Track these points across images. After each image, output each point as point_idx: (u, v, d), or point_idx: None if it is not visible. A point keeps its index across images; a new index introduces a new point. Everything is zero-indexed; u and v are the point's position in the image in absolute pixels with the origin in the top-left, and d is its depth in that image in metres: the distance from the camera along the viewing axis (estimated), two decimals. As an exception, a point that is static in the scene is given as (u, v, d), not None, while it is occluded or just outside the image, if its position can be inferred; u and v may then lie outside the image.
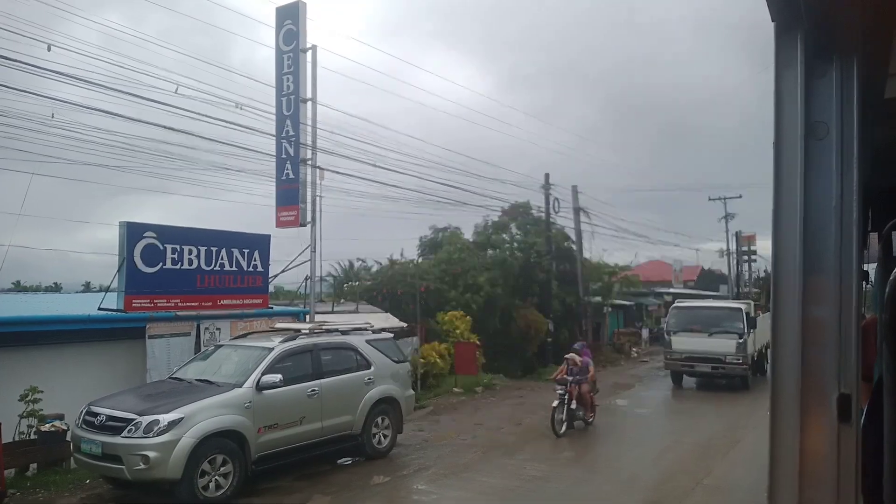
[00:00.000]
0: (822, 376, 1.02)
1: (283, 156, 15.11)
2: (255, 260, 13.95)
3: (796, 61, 1.02)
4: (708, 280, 54.93)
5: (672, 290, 44.74)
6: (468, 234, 26.76)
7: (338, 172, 18.38)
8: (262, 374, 8.24)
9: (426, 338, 20.15)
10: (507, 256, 23.93)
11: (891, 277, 1.03)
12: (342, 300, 21.31)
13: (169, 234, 12.33)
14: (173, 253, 12.35)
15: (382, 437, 10.01)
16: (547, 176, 24.68)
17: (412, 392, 10.96)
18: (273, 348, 8.67)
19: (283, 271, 15.40)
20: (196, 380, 8.49)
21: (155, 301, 12.09)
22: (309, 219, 14.90)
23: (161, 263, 12.14)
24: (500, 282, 22.88)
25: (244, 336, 10.35)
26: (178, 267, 12.43)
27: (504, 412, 14.25)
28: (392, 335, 11.19)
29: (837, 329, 1.02)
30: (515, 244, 26.01)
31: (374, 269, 21.69)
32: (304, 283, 17.76)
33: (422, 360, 18.70)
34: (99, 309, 11.59)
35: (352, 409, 9.45)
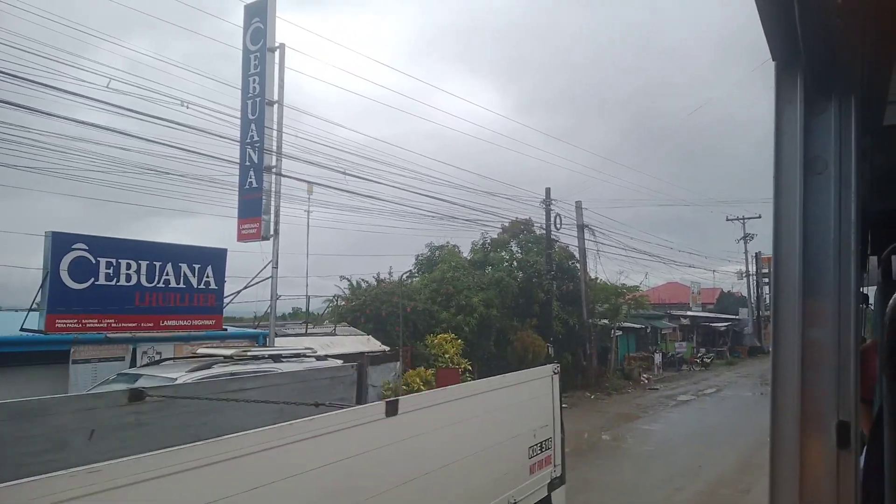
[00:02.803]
0: (822, 402, 1.02)
1: (247, 163, 13.84)
2: (207, 276, 12.58)
3: (796, 98, 1.05)
4: (727, 302, 52.70)
5: (689, 313, 42.72)
6: (468, 253, 25.34)
7: (329, 187, 17.17)
8: None
9: (412, 362, 18.62)
10: (504, 275, 22.36)
11: (890, 301, 1.11)
12: (327, 322, 19.88)
13: (103, 245, 11.02)
14: (108, 267, 11.03)
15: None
16: (548, 190, 23.19)
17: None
18: (175, 379, 7.21)
19: (243, 288, 14.00)
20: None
21: (83, 321, 10.74)
22: (272, 231, 13.53)
23: (92, 279, 10.82)
24: (496, 302, 21.32)
25: (157, 363, 8.93)
26: (112, 283, 11.10)
27: (484, 449, 12.59)
28: (339, 363, 9.67)
29: (836, 352, 1.03)
30: (515, 263, 24.47)
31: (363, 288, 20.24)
32: (271, 304, 16.44)
33: (404, 388, 17.16)
34: (21, 330, 10.30)
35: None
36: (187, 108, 11.47)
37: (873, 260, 2.69)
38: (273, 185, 13.53)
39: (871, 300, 2.91)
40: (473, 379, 19.90)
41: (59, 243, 10.39)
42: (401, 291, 19.81)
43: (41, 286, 10.33)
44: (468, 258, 24.11)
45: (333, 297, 18.05)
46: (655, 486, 9.67)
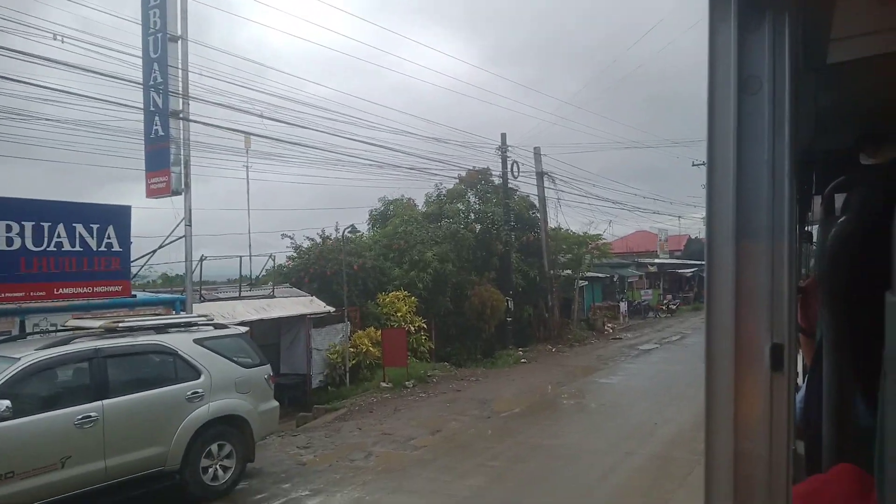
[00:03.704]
0: (756, 330, 1.02)
1: (152, 108, 12.26)
2: (108, 237, 11.17)
3: (730, 15, 1.04)
4: (694, 248, 52.40)
5: (657, 261, 42.28)
6: (422, 206, 24.07)
7: (266, 137, 15.66)
8: None
9: (362, 323, 17.53)
10: (459, 228, 21.20)
11: (829, 237, 1.21)
12: (271, 284, 18.58)
13: (-26, 206, 9.56)
14: (-19, 230, 9.60)
15: (220, 471, 7.37)
16: (503, 136, 21.87)
17: (274, 404, 8.28)
18: (18, 359, 5.95)
19: (158, 248, 12.61)
20: None
21: (-46, 292, 9.37)
22: (183, 185, 12.08)
23: (-38, 244, 9.40)
24: (451, 256, 20.20)
25: (15, 339, 7.64)
26: (-11, 248, 9.69)
27: (427, 414, 11.65)
28: (244, 330, 8.48)
29: (769, 287, 1.02)
30: (473, 215, 23.28)
31: (306, 246, 18.88)
32: (198, 264, 15.07)
33: (352, 350, 16.11)
34: None
35: (162, 436, 6.81)
36: (62, 41, 9.82)
37: (818, 201, 2.70)
38: (181, 132, 12.00)
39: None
40: (428, 339, 19.02)
41: (-84, 204, 8.90)
42: (346, 248, 18.55)
43: None
44: (423, 211, 22.85)
45: (269, 255, 16.66)
46: (605, 451, 8.79)
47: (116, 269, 11.30)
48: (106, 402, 6.32)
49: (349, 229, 16.35)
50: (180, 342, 7.28)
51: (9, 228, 9.87)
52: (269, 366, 8.35)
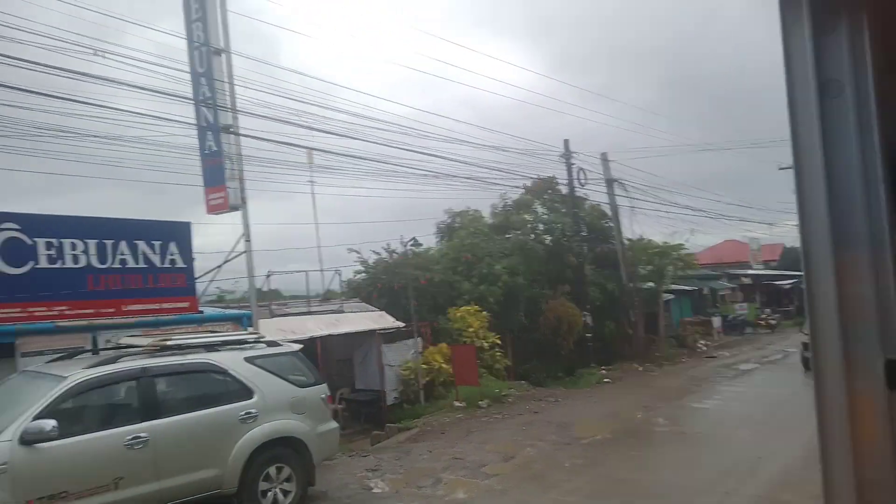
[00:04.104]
0: (866, 346, 0.94)
1: (203, 123, 12.17)
2: (172, 254, 11.09)
3: (803, 17, 1.01)
4: (791, 258, 48.75)
5: (750, 272, 39.46)
6: (489, 217, 23.31)
7: (328, 152, 15.46)
8: (34, 419, 5.32)
9: (434, 339, 16.89)
10: (528, 239, 20.27)
11: None
12: (343, 298, 18.31)
13: (39, 224, 9.63)
14: (48, 248, 9.65)
15: (281, 495, 6.85)
16: (566, 142, 20.82)
17: (333, 425, 7.73)
18: (65, 378, 5.70)
19: (223, 264, 12.44)
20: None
21: (28, 309, 9.43)
22: (240, 199, 11.88)
23: (32, 262, 9.46)
24: (521, 269, 19.30)
25: (70, 357, 7.42)
26: (57, 266, 9.72)
27: (501, 438, 10.79)
28: (298, 348, 7.97)
29: (875, 299, 0.95)
30: (542, 225, 22.28)
31: (372, 260, 18.51)
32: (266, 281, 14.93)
33: (424, 367, 15.47)
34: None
35: (217, 458, 6.40)
36: (104, 56, 9.76)
37: None
38: (232, 146, 11.80)
39: None
40: (504, 356, 18.12)
41: (-16, 223, 9.02)
42: (412, 262, 18.03)
43: (-29, 274, 9.01)
44: (490, 223, 22.08)
45: (335, 270, 16.35)
46: (699, 489, 7.62)
47: (181, 286, 11.22)
48: (155, 422, 6.01)
49: (412, 242, 15.74)
50: (231, 360, 6.85)
51: (73, 247, 9.91)
52: (325, 385, 7.83)
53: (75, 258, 9.91)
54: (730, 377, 17.27)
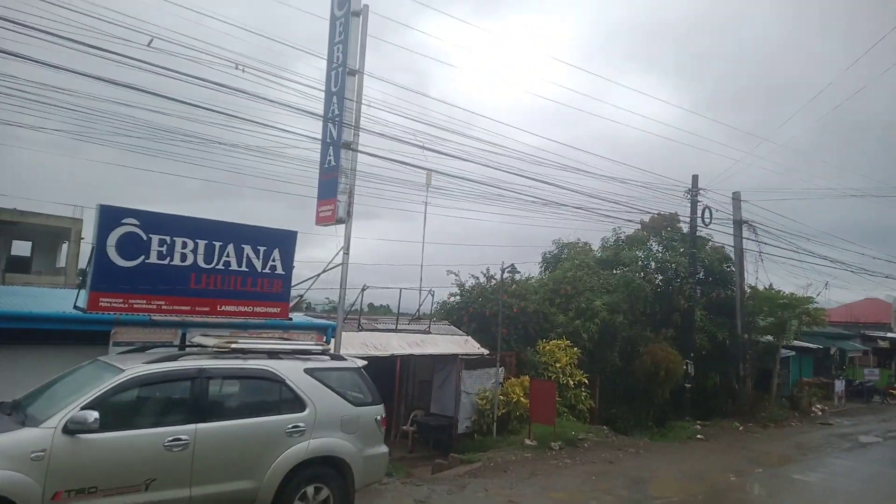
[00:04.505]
0: None
1: (328, 139, 12.79)
2: (274, 260, 11.63)
3: None
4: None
5: (889, 335, 35.26)
6: (598, 250, 22.58)
7: (444, 174, 15.79)
8: (82, 409, 5.51)
9: (518, 370, 16.53)
10: (635, 277, 19.34)
11: None
12: (435, 319, 18.45)
13: (157, 221, 10.41)
14: (161, 245, 10.42)
15: (316, 517, 6.87)
16: (695, 178, 19.63)
17: (383, 450, 7.65)
18: (123, 370, 6.03)
19: (320, 273, 12.93)
20: (9, 410, 6.15)
21: (130, 301, 10.22)
22: (346, 213, 12.32)
23: (143, 256, 10.25)
24: (623, 307, 18.45)
25: (140, 350, 7.91)
26: (165, 262, 10.51)
27: (565, 485, 10.27)
28: (362, 364, 8.00)
29: None
30: (654, 264, 21.21)
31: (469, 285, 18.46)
32: (359, 295, 15.32)
33: (502, 398, 15.17)
34: (74, 307, 10.04)
35: (255, 470, 6.42)
36: (243, 70, 10.53)
37: None
38: (351, 162, 12.29)
39: None
40: (589, 397, 17.33)
41: (107, 217, 9.90)
42: (509, 289, 17.79)
43: (88, 262, 9.99)
44: (598, 256, 21.35)
45: (429, 290, 16.47)
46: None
47: (277, 292, 11.78)
48: (200, 426, 6.12)
49: (509, 269, 15.53)
50: (289, 370, 7.00)
51: (184, 245, 10.71)
52: (382, 406, 7.78)
53: (183, 256, 10.66)
54: (844, 448, 15.39)
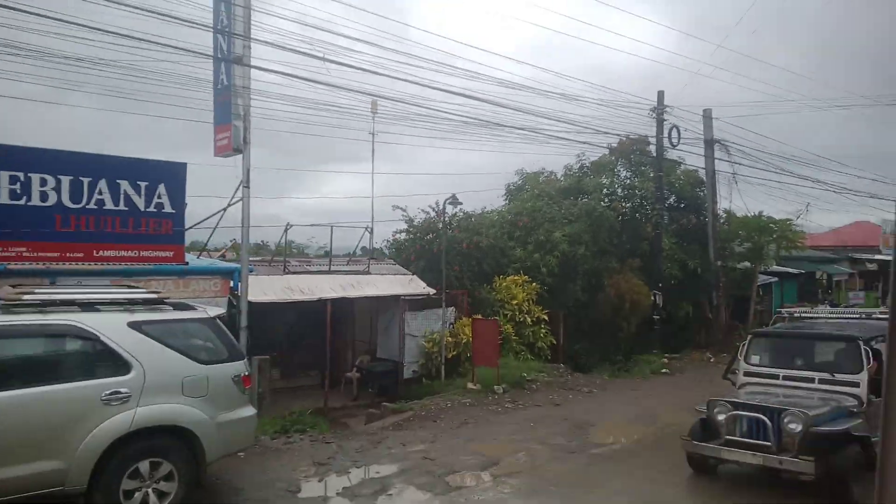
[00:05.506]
0: None
1: (219, 55, 11.05)
2: (160, 197, 10.16)
3: None
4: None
5: (877, 257, 34.21)
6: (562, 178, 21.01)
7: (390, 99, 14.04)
8: None
9: (472, 309, 15.28)
10: (597, 205, 17.89)
11: None
12: (388, 259, 17.07)
13: (3, 155, 8.91)
14: (13, 182, 8.94)
15: (154, 496, 5.62)
16: (660, 94, 17.90)
17: (246, 413, 6.35)
18: None
19: (223, 211, 11.43)
20: None
21: (-19, 249, 8.83)
22: (242, 141, 10.70)
23: (-8, 196, 8.81)
24: (586, 238, 17.07)
25: None
26: (21, 202, 9.03)
27: (496, 434, 9.12)
28: (218, 313, 6.61)
29: None
30: (621, 190, 19.73)
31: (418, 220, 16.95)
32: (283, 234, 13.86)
33: (449, 339, 13.98)
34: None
35: (61, 447, 5.18)
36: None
37: None
38: (243, 79, 10.59)
39: None
40: (549, 333, 16.17)
41: (-60, 152, 8.39)
42: (460, 224, 16.37)
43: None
44: (562, 184, 19.81)
45: (366, 227, 14.97)
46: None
47: (167, 233, 10.33)
48: None
49: (450, 200, 14.05)
50: (107, 325, 5.61)
51: (43, 182, 9.16)
52: (243, 362, 6.46)
53: (43, 195, 9.18)
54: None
